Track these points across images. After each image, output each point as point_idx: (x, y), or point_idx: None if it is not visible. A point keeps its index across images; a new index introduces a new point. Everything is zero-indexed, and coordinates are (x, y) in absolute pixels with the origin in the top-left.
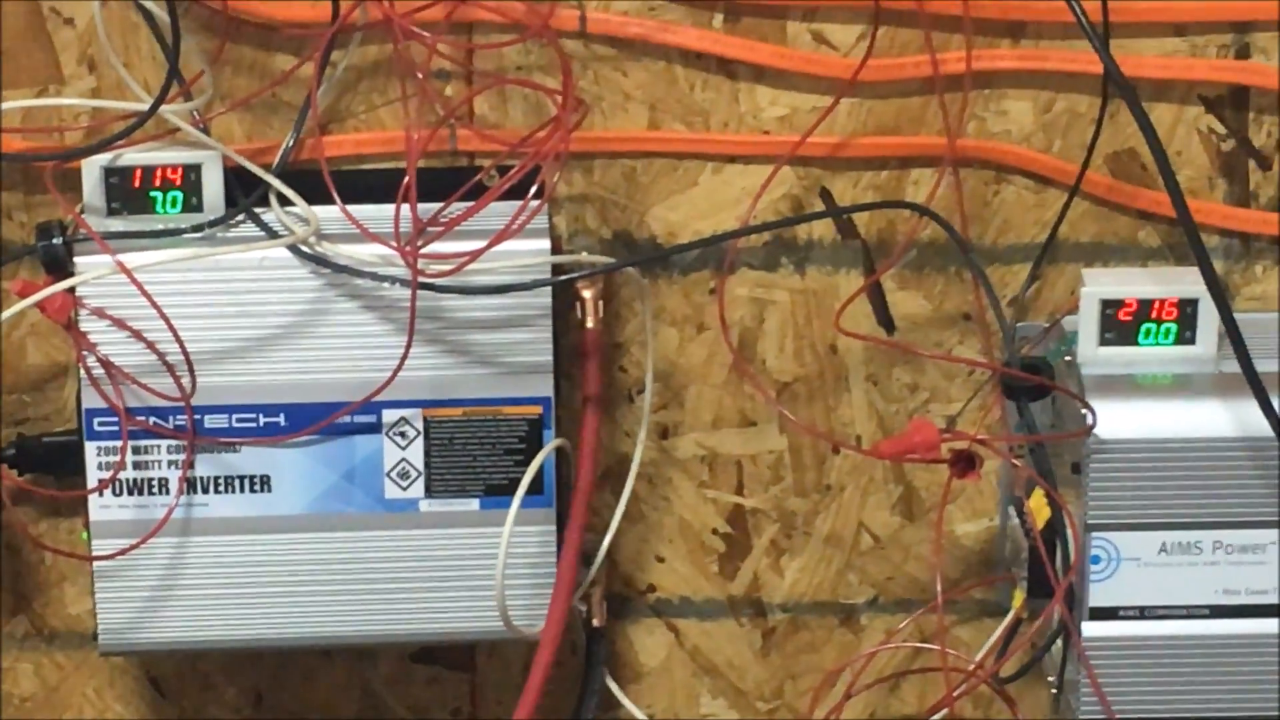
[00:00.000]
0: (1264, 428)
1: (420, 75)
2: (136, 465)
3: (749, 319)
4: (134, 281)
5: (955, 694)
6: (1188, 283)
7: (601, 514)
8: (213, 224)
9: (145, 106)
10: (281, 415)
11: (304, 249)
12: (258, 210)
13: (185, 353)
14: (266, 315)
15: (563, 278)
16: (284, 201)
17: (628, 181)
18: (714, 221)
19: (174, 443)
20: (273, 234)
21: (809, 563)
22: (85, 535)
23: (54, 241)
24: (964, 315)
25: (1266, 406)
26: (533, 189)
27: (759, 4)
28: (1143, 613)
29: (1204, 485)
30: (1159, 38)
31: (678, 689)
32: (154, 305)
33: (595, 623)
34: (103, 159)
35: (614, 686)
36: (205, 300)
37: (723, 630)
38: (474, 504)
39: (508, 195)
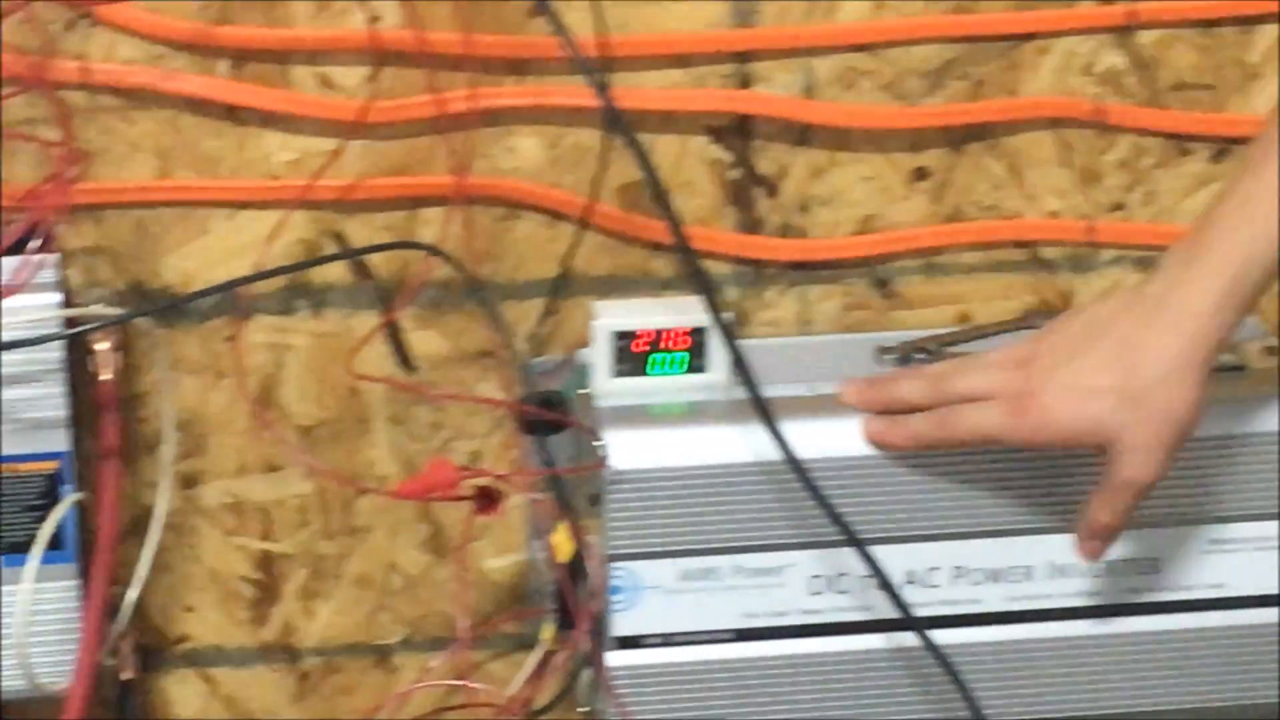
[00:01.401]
0: (775, 452)
1: None
2: None
3: (269, 364)
4: None
5: None
6: (698, 312)
7: (129, 566)
8: None
9: None
10: None
11: None
12: None
13: None
14: None
15: (72, 331)
16: None
17: (139, 231)
18: (228, 268)
19: None
20: None
21: (341, 605)
22: None
23: None
24: (482, 352)
25: (774, 431)
26: (37, 243)
27: (263, 49)
28: (667, 640)
29: (719, 511)
30: (662, 69)
31: None
32: None
33: (125, 675)
34: None
35: None
36: None
37: (256, 677)
38: None
39: (13, 250)
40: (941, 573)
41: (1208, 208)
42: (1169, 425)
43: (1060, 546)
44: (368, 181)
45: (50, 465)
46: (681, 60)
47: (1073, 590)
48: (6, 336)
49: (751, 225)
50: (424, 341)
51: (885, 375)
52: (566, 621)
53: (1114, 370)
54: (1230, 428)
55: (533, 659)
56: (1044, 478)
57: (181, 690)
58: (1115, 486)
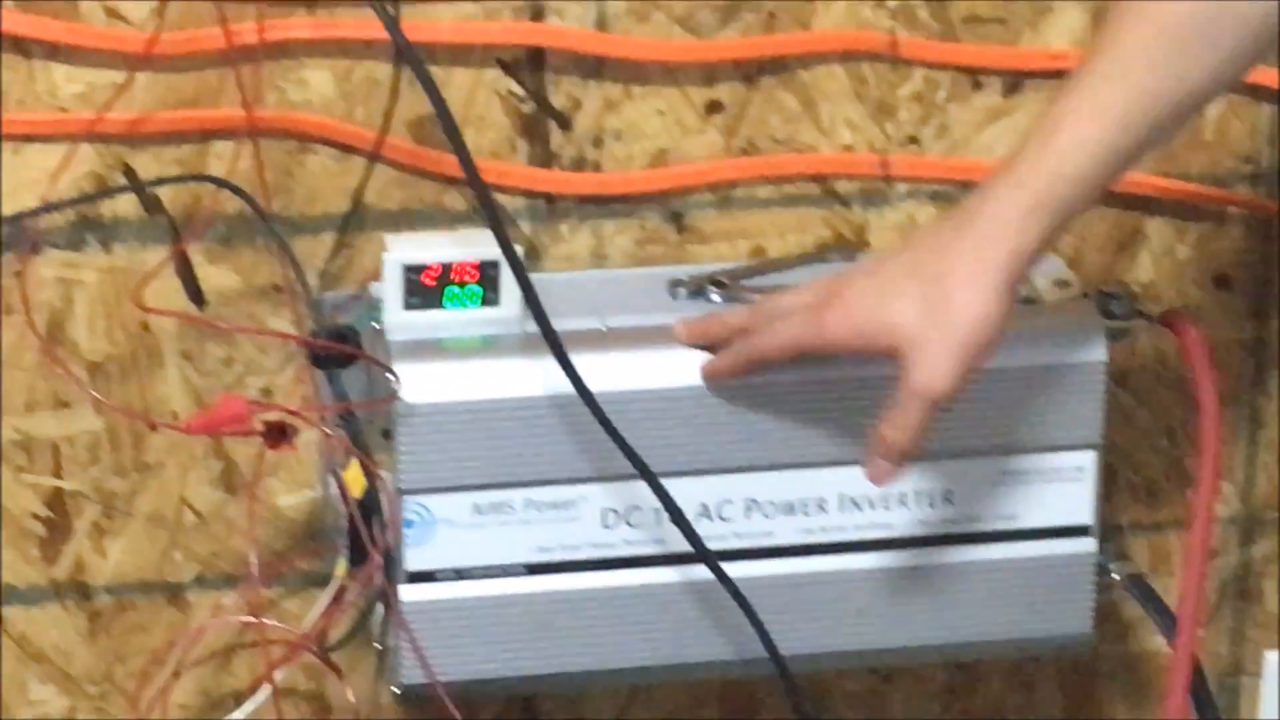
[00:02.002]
0: (568, 386)
1: None
2: None
3: (58, 300)
4: None
5: (277, 665)
6: (490, 245)
7: None
8: None
9: None
10: None
11: None
12: None
13: None
14: None
15: None
16: None
17: None
18: (16, 203)
19: None
20: None
21: (132, 543)
22: None
23: None
24: (274, 287)
25: (566, 364)
26: None
27: None
28: (460, 574)
29: (512, 445)
30: (454, 2)
31: (6, 678)
32: None
33: None
34: None
35: None
36: None
37: (48, 616)
38: None
39: None
40: (734, 506)
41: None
42: (964, 333)
43: (855, 479)
44: (157, 115)
45: None
46: None
47: (869, 522)
48: None
49: (545, 159)
50: (215, 276)
51: (713, 312)
52: (359, 557)
53: (917, 276)
54: (1028, 357)
55: (326, 595)
56: (838, 410)
57: None
58: (906, 398)
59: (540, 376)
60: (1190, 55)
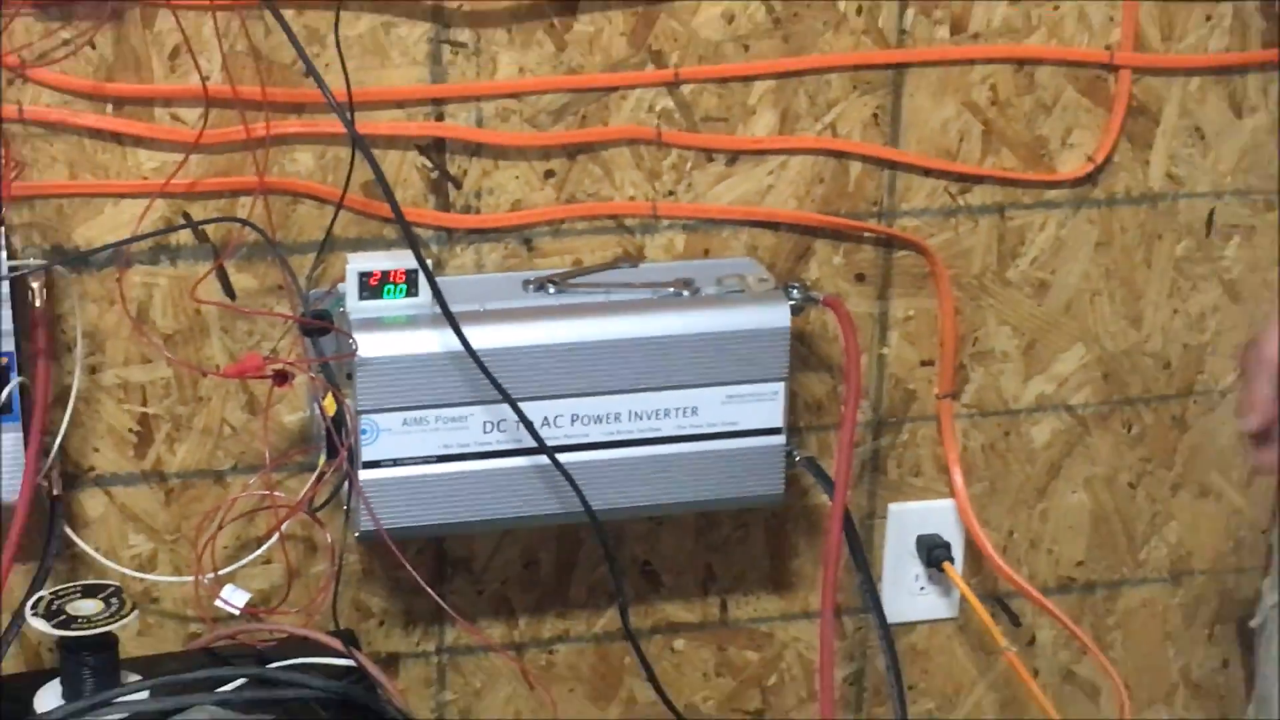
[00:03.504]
0: (459, 345)
1: None
2: None
3: (142, 295)
4: None
5: (283, 521)
6: (411, 260)
7: (57, 423)
8: None
9: None
10: None
11: None
12: None
13: None
14: None
15: (14, 274)
16: None
17: (58, 213)
18: (115, 235)
19: None
20: None
21: (191, 446)
22: None
23: None
24: (278, 286)
25: (458, 331)
26: None
27: (135, 96)
28: (396, 462)
29: (426, 382)
30: (388, 110)
31: (113, 532)
32: None
33: (55, 493)
34: None
35: (70, 533)
36: None
37: (139, 492)
38: None
39: None
40: (564, 418)
41: None
42: None
43: (638, 400)
44: (204, 180)
45: (2, 360)
46: (400, 103)
47: (646, 428)
48: None
49: (446, 206)
50: (241, 280)
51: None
52: (333, 452)
53: None
54: (742, 325)
55: (313, 477)
56: (635, 355)
57: (91, 502)
58: None
59: (443, 340)
60: None
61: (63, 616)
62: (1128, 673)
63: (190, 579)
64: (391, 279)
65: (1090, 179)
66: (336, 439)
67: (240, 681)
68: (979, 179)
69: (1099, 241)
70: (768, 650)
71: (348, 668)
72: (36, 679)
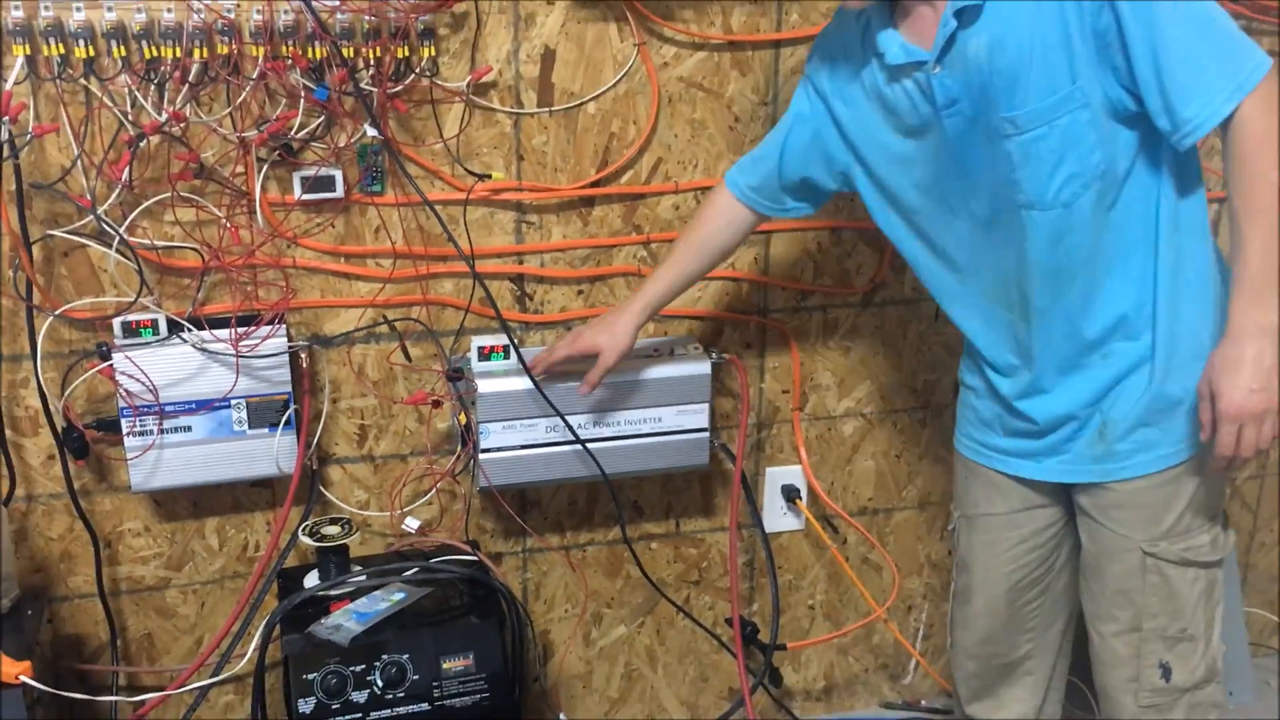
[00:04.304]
0: (532, 385)
1: None
2: None
3: (359, 359)
4: None
5: (438, 481)
6: (505, 339)
7: (314, 430)
8: None
9: None
10: None
11: None
12: None
13: None
14: None
15: (289, 350)
16: None
17: (315, 316)
18: (347, 328)
19: None
20: None
21: (390, 440)
22: None
23: None
24: (434, 355)
25: (532, 379)
26: (280, 325)
27: None
28: (499, 449)
29: (517, 405)
30: None
31: (346, 489)
32: None
33: (314, 468)
34: None
35: (323, 489)
36: None
37: (359, 468)
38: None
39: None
40: (589, 423)
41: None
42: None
43: (629, 414)
44: (393, 298)
45: (283, 396)
46: (499, 255)
47: (628, 429)
48: (271, 354)
49: (524, 309)
50: (413, 351)
51: None
52: (465, 443)
53: None
54: (686, 372)
55: (454, 458)
56: (636, 392)
57: (336, 474)
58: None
59: (523, 383)
60: None
61: (319, 535)
62: (896, 556)
63: (387, 514)
64: (496, 350)
65: (873, 292)
66: (467, 436)
67: (414, 569)
68: (811, 292)
69: (876, 325)
70: (701, 548)
71: (474, 560)
72: (304, 569)
